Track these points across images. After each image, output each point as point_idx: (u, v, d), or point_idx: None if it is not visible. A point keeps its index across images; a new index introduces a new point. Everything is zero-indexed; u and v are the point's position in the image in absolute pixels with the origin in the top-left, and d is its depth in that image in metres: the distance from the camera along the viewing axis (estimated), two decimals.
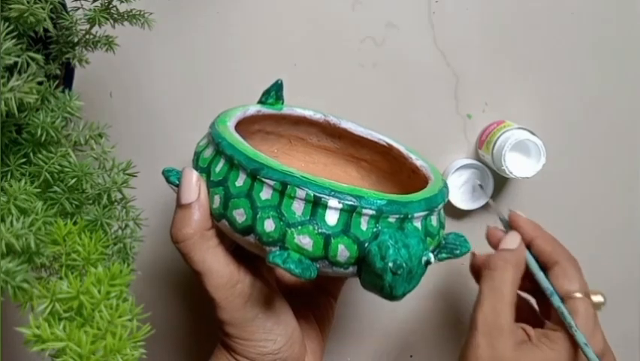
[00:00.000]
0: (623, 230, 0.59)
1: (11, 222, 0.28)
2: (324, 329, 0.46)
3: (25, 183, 0.31)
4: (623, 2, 0.55)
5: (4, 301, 0.27)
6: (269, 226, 0.35)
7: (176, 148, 0.54)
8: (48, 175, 0.34)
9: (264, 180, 0.35)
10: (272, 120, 0.47)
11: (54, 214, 0.32)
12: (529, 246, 0.47)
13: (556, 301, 0.44)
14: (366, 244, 0.35)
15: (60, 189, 0.34)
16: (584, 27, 0.55)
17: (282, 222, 0.35)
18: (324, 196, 0.34)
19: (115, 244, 0.36)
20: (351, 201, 0.34)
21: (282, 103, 0.47)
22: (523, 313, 0.46)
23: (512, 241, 0.46)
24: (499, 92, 0.55)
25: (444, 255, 0.39)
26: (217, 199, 0.37)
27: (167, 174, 0.40)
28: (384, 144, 0.47)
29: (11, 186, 0.30)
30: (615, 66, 0.56)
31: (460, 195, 0.55)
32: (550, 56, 0.55)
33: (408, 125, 0.55)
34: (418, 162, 0.44)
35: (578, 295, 0.44)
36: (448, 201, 0.53)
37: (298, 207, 0.35)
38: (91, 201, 0.36)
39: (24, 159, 0.34)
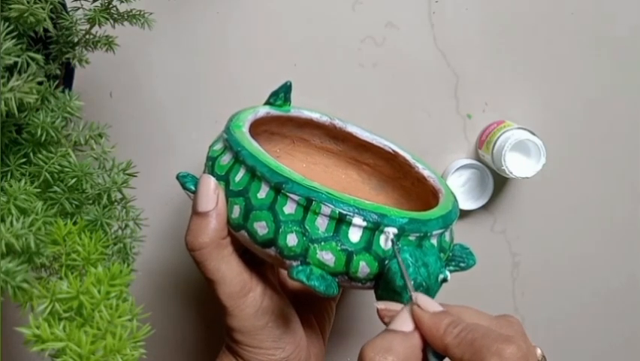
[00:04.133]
0: (623, 230, 0.59)
1: (11, 222, 0.28)
2: (324, 332, 0.46)
3: (25, 183, 0.31)
4: (623, 2, 0.55)
5: (4, 301, 0.27)
6: (291, 240, 0.35)
7: (177, 148, 0.54)
8: (48, 175, 0.34)
9: (288, 194, 0.35)
10: (278, 121, 0.47)
11: (54, 214, 0.32)
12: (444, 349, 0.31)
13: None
14: (386, 261, 0.35)
15: (60, 189, 0.34)
16: (584, 27, 0.55)
17: (305, 238, 0.35)
18: (349, 214, 0.34)
19: (115, 244, 0.36)
20: (374, 219, 0.34)
21: (290, 105, 0.47)
22: None
23: (406, 320, 0.33)
24: (499, 92, 0.55)
25: (451, 268, 0.39)
26: (237, 209, 0.37)
27: (182, 180, 0.39)
28: (390, 150, 0.47)
29: (11, 186, 0.30)
30: (615, 66, 0.56)
31: (460, 195, 0.55)
32: (550, 56, 0.55)
33: (408, 125, 0.55)
34: (425, 172, 0.44)
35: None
36: None
37: (322, 223, 0.34)
38: (91, 201, 0.36)
39: (24, 159, 0.34)
